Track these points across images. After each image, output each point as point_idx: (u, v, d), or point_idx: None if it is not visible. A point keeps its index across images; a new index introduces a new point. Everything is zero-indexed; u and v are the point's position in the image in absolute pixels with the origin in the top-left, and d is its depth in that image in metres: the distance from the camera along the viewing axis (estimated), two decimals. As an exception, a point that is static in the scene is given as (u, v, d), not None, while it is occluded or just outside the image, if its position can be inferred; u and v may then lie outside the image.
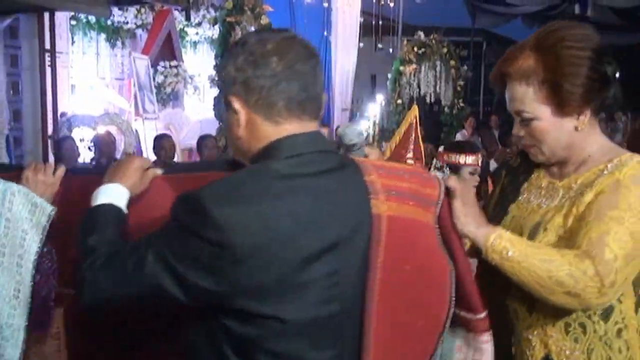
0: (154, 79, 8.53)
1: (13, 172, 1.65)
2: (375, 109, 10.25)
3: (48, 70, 6.58)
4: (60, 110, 6.99)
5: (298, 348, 1.21)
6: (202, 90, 9.73)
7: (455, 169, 3.68)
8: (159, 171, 1.54)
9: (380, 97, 10.87)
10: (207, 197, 1.15)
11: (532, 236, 1.56)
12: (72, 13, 7.35)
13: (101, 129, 6.69)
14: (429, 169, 3.70)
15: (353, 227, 1.25)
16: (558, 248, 1.47)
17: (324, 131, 9.52)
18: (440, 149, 3.92)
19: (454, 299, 1.39)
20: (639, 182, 1.46)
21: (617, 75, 1.54)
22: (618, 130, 8.93)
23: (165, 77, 8.89)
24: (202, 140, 5.99)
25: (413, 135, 3.18)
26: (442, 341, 1.42)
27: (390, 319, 1.31)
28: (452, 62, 11.99)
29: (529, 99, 1.54)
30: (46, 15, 6.42)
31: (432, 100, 11.85)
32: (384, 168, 1.36)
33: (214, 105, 7.41)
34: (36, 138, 6.78)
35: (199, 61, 9.96)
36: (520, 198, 1.68)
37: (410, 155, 3.16)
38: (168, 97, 9.03)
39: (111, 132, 6.62)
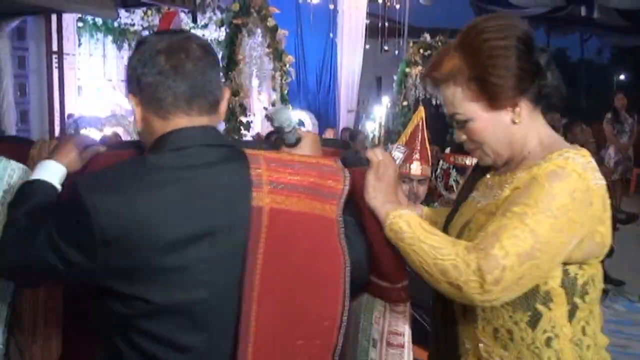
0: (160, 80, 8.54)
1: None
2: (381, 110, 10.24)
3: (55, 71, 6.61)
4: (67, 111, 7.02)
5: (167, 329, 1.26)
6: (208, 92, 9.74)
7: (462, 170, 3.69)
8: (101, 148, 1.61)
9: (385, 99, 10.85)
10: (84, 184, 1.26)
11: (459, 235, 1.51)
12: (79, 15, 7.38)
13: (108, 130, 6.70)
14: (436, 170, 3.71)
15: (230, 218, 1.29)
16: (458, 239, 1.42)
17: (330, 132, 9.53)
18: (447, 150, 3.92)
19: (347, 292, 1.36)
20: (555, 179, 1.35)
21: (549, 63, 1.48)
22: (625, 131, 8.91)
23: (172, 78, 8.90)
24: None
25: (419, 136, 3.17)
26: (345, 332, 1.40)
27: (276, 309, 1.32)
28: (458, 64, 11.98)
29: (458, 100, 1.49)
30: (53, 17, 6.45)
31: (438, 102, 11.80)
32: (277, 161, 1.37)
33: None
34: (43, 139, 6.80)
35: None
36: (470, 196, 1.63)
37: (417, 156, 3.16)
38: (174, 98, 9.05)
39: (118, 133, 6.64)
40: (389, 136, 10.97)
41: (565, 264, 1.41)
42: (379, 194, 1.46)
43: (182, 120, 1.34)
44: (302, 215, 1.35)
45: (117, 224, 1.22)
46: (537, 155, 1.46)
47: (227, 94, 1.43)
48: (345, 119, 11.52)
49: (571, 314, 1.44)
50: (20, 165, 1.69)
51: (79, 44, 7.86)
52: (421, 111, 3.23)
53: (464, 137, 1.55)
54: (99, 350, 1.37)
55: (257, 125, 8.85)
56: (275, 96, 9.00)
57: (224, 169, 1.32)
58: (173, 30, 1.48)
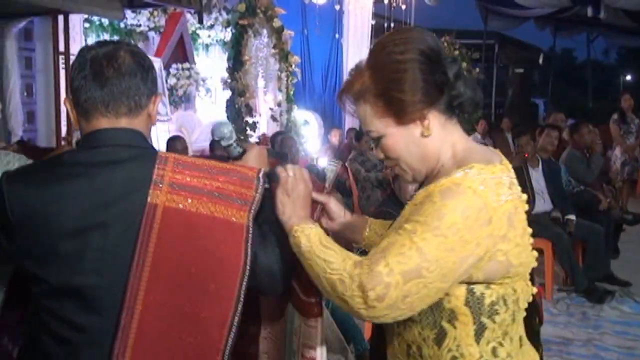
0: (166, 81, 8.58)
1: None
2: (386, 111, 10.24)
3: (62, 72, 6.62)
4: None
5: (66, 308, 1.40)
6: (214, 93, 9.77)
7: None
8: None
9: (391, 100, 10.85)
10: (8, 175, 1.46)
11: None
12: (86, 16, 7.40)
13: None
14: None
15: (124, 212, 1.40)
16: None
17: (336, 133, 9.54)
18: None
19: (241, 296, 1.40)
20: (448, 196, 1.31)
21: (458, 74, 1.42)
22: (631, 132, 8.87)
23: (178, 79, 8.93)
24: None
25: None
26: (232, 333, 1.42)
27: (162, 303, 1.39)
28: (464, 65, 11.96)
29: (369, 117, 1.46)
30: (60, 18, 6.47)
31: (444, 102, 11.82)
32: (186, 164, 1.45)
33: (227, 107, 7.44)
34: (50, 140, 6.84)
35: (211, 64, 10.00)
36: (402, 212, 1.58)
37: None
38: (180, 99, 9.07)
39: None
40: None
41: (470, 283, 1.36)
42: (286, 209, 1.49)
43: (101, 122, 1.47)
44: (201, 216, 1.41)
45: (24, 210, 1.40)
46: (449, 168, 1.42)
47: (155, 99, 1.56)
48: (351, 120, 11.50)
49: (478, 334, 1.39)
50: (22, 156, 1.84)
51: (86, 45, 7.87)
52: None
53: (381, 154, 1.52)
54: (26, 330, 1.54)
55: (263, 125, 8.86)
56: (281, 97, 9.01)
57: (129, 167, 1.43)
58: (111, 41, 1.61)
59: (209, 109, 9.72)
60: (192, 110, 9.33)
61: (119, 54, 1.47)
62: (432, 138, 1.43)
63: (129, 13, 8.02)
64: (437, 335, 1.40)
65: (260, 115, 8.84)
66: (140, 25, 8.64)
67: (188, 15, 9.01)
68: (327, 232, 1.57)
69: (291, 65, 9.09)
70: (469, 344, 1.39)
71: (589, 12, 12.83)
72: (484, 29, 16.12)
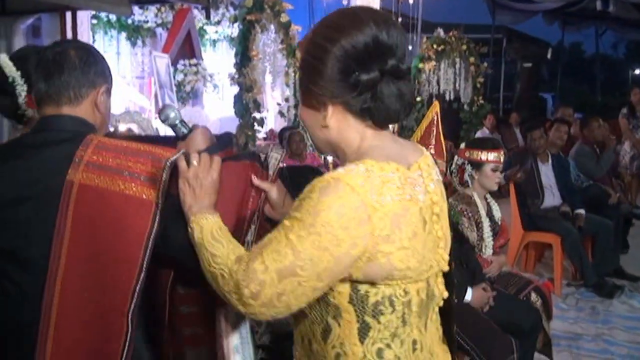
0: (174, 77, 8.59)
1: None
2: (394, 106, 10.22)
3: (70, 68, 6.63)
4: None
5: (7, 267, 1.60)
6: (222, 89, 9.78)
7: (477, 165, 3.68)
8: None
9: (399, 95, 10.82)
10: None
11: None
12: (94, 12, 7.41)
13: (122, 127, 6.73)
14: (450, 166, 3.69)
15: (49, 188, 1.58)
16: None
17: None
18: (462, 146, 3.90)
19: (144, 265, 1.53)
20: (325, 192, 1.25)
21: (375, 83, 1.31)
22: (640, 127, 8.83)
23: (185, 75, 8.94)
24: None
25: (434, 132, 3.16)
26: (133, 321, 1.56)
27: (80, 268, 1.57)
28: (472, 59, 11.92)
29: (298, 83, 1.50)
30: (68, 14, 6.47)
31: (452, 97, 11.79)
32: (106, 146, 1.62)
33: (234, 103, 7.43)
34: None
35: (218, 59, 10.00)
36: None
37: (431, 152, 3.15)
38: (188, 95, 9.08)
39: (132, 129, 6.66)
40: (403, 131, 10.94)
41: (355, 280, 1.32)
42: (186, 198, 1.52)
43: (47, 111, 1.71)
44: (113, 193, 1.56)
45: None
46: (348, 161, 1.37)
47: (100, 89, 1.75)
48: (358, 115, 11.49)
49: (362, 334, 1.34)
50: None
51: (93, 41, 7.90)
52: (436, 106, 3.21)
53: None
54: None
55: (271, 121, 8.86)
56: (288, 92, 9.00)
57: (59, 149, 1.63)
58: (66, 40, 1.97)
59: (217, 105, 9.72)
60: (199, 106, 9.34)
61: (64, 52, 1.72)
62: (331, 129, 1.39)
63: (136, 9, 8.03)
64: (323, 330, 1.37)
65: (267, 110, 8.84)
66: (147, 22, 8.65)
67: (195, 11, 9.02)
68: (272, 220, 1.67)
69: (299, 61, 9.07)
70: (353, 342, 1.34)
71: (598, 5, 12.78)
72: (492, 24, 16.06)
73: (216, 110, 9.56)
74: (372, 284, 1.31)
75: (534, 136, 5.70)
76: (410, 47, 12.85)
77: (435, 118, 3.16)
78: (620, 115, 8.89)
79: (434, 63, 11.72)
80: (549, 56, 21.17)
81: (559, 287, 5.43)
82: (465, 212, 3.58)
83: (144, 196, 1.54)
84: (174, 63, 8.70)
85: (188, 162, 1.54)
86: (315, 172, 2.36)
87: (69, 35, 6.54)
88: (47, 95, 1.70)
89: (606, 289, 5.44)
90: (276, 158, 1.78)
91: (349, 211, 1.24)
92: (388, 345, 1.35)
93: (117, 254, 1.55)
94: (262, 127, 7.84)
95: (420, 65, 11.73)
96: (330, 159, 7.36)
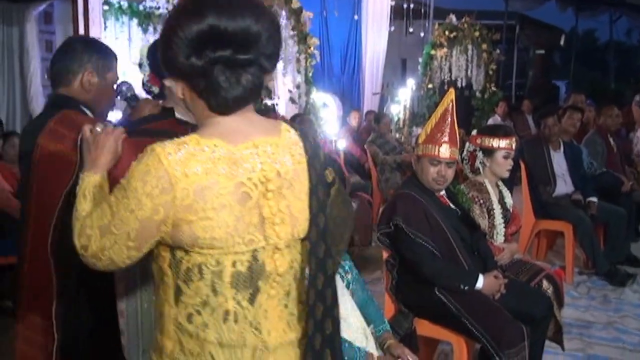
0: (185, 63, 8.57)
1: None
2: (405, 93, 10.19)
3: (82, 55, 6.64)
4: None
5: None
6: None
7: (489, 152, 3.66)
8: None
9: (410, 82, 10.79)
10: None
11: None
12: (106, -2, 7.41)
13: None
14: (462, 153, 3.68)
15: (30, 148, 2.07)
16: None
17: (355, 115, 9.49)
18: (474, 132, 3.88)
19: (60, 203, 1.99)
20: (140, 160, 1.37)
21: (210, 71, 1.35)
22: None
23: (197, 61, 8.91)
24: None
25: (449, 119, 3.14)
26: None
27: (37, 216, 2.10)
28: (484, 46, 11.85)
29: None
30: (80, 0, 6.47)
31: (464, 84, 11.74)
32: (65, 119, 2.09)
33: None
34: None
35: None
36: None
37: (446, 139, 3.13)
38: (199, 81, 9.07)
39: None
40: (414, 119, 10.90)
41: (174, 246, 1.39)
42: (84, 157, 1.77)
43: (54, 91, 2.31)
44: (53, 153, 2.04)
45: None
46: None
47: (84, 73, 2.26)
48: (370, 102, 11.47)
49: (176, 297, 1.41)
50: None
51: (105, 28, 7.88)
52: (451, 93, 3.19)
53: None
54: None
55: (282, 108, 8.84)
56: (299, 79, 8.98)
57: (42, 121, 2.14)
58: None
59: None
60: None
61: (65, 43, 2.35)
62: (185, 101, 1.46)
63: (148, -5, 8.02)
64: (156, 288, 1.48)
65: (279, 97, 8.82)
66: (159, 8, 8.61)
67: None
68: None
69: (310, 47, 9.04)
70: (170, 304, 1.42)
71: (613, -9, 12.62)
72: (504, 10, 15.92)
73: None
74: (186, 251, 1.38)
75: (548, 123, 5.66)
76: (422, 34, 12.76)
77: (450, 105, 3.14)
78: (634, 103, 8.81)
79: (445, 50, 11.67)
80: (562, 43, 21.00)
81: (570, 275, 5.42)
82: (476, 199, 3.57)
83: (72, 157, 1.93)
84: (186, 49, 8.69)
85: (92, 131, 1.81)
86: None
87: (81, 21, 6.54)
88: (50, 78, 2.31)
89: (618, 277, 5.42)
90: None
91: (152, 179, 1.33)
92: (198, 312, 1.40)
93: (53, 195, 1.99)
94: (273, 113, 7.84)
95: (432, 52, 11.69)
96: (341, 147, 7.36)
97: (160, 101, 2.22)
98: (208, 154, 1.35)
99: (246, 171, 1.38)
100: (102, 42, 2.43)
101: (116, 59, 2.39)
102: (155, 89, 2.48)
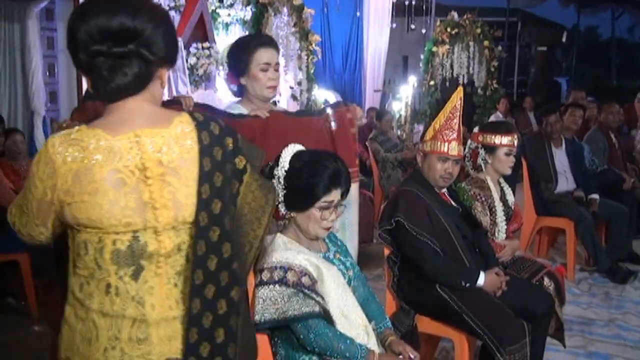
0: (186, 60, 8.56)
1: None
2: (407, 90, 10.18)
3: (83, 52, 6.63)
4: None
5: None
6: (235, 72, 9.72)
7: (491, 149, 3.66)
8: None
9: (412, 79, 10.77)
10: None
11: None
12: (107, -5, 7.39)
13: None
14: (464, 150, 3.68)
15: None
16: None
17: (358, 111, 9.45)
18: (476, 129, 3.88)
19: None
20: (39, 151, 1.56)
21: (92, 62, 1.55)
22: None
23: (198, 58, 8.90)
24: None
25: (457, 117, 3.15)
26: None
27: None
28: (486, 43, 11.83)
29: None
30: (81, -3, 6.47)
31: (465, 81, 11.72)
32: None
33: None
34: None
35: (231, 43, 9.97)
36: None
37: (454, 136, 3.14)
38: (200, 78, 9.05)
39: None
40: (416, 116, 10.89)
41: (75, 224, 1.56)
42: None
43: None
44: None
45: None
46: None
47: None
48: (371, 99, 11.46)
49: (73, 268, 1.61)
50: None
51: (107, 24, 7.89)
52: (460, 91, 3.20)
53: None
54: None
55: (283, 104, 8.83)
56: (301, 76, 8.97)
57: None
58: None
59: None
60: (212, 90, 9.32)
61: None
62: None
63: (149, -8, 8.00)
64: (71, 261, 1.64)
65: (280, 94, 8.81)
66: (160, 4, 8.62)
67: (208, -6, 8.97)
68: None
69: (311, 44, 9.03)
70: (70, 274, 1.62)
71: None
72: (507, 7, 15.90)
73: (229, 93, 9.53)
74: (76, 229, 1.56)
75: (550, 120, 5.66)
76: (423, 31, 12.75)
77: (459, 103, 3.15)
78: (637, 100, 8.80)
79: (447, 47, 11.64)
80: (564, 40, 20.97)
81: (572, 272, 5.42)
82: (478, 197, 3.57)
83: None
84: (187, 46, 8.66)
85: None
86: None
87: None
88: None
89: (619, 275, 5.42)
90: None
91: (42, 166, 1.53)
92: (87, 283, 1.57)
93: None
94: (274, 110, 7.84)
95: (434, 49, 11.66)
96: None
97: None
98: (86, 144, 1.51)
99: (122, 159, 1.52)
100: None
101: None
102: (234, 87, 2.91)
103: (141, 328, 1.55)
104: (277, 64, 2.91)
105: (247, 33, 7.63)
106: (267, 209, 1.82)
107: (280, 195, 2.29)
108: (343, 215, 2.54)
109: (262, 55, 2.83)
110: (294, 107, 8.65)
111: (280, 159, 2.30)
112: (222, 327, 1.60)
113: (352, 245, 2.90)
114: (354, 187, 2.82)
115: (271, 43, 2.91)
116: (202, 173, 1.58)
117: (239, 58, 2.86)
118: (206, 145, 1.60)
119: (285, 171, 2.28)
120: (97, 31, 1.51)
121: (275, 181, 2.28)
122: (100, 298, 1.56)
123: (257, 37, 3.35)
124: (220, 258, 1.59)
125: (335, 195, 2.29)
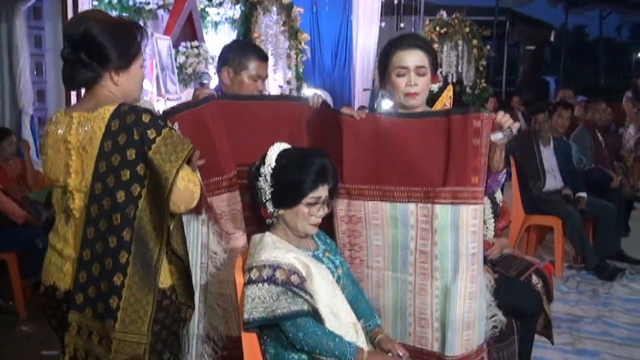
0: (175, 59, 8.54)
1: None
2: (396, 89, 10.17)
3: (71, 50, 6.59)
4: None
5: None
6: (224, 71, 9.69)
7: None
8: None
9: (401, 77, 10.76)
10: None
11: None
12: (95, -7, 7.36)
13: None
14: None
15: None
16: None
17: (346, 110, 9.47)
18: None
19: None
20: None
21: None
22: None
23: (187, 57, 8.88)
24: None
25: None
26: None
27: None
28: (475, 42, 11.87)
29: None
30: (69, -5, 6.44)
31: (454, 80, 11.75)
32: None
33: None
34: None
35: (220, 41, 9.94)
36: None
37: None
38: (189, 77, 9.03)
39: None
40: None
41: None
42: None
43: None
44: None
45: None
46: None
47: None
48: (360, 97, 11.46)
49: (55, 222, 2.14)
50: None
51: (95, 23, 7.85)
52: (450, 90, 3.21)
53: None
54: None
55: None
56: (290, 74, 8.97)
57: None
58: None
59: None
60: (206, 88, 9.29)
61: None
62: None
63: (137, -9, 7.97)
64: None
65: (269, 93, 8.81)
66: (149, 3, 8.56)
67: (197, -7, 8.94)
68: None
69: (301, 43, 9.03)
70: (54, 227, 2.14)
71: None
72: (495, 6, 15.95)
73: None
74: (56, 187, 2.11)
75: (539, 119, 5.68)
76: (412, 30, 12.77)
77: (449, 102, 3.15)
78: (625, 99, 8.87)
79: (436, 46, 11.66)
80: (552, 39, 21.06)
81: (560, 270, 5.45)
82: (466, 195, 3.57)
83: None
84: (176, 45, 8.64)
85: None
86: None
87: (70, 17, 6.51)
88: None
89: (607, 272, 5.45)
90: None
91: (44, 139, 2.12)
92: (61, 228, 2.11)
93: None
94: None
95: (423, 48, 11.66)
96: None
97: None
98: (53, 119, 2.12)
99: (61, 133, 2.04)
100: None
101: None
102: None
103: (59, 262, 2.09)
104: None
105: (236, 32, 7.61)
106: (164, 184, 1.97)
107: (267, 193, 2.29)
108: (449, 242, 2.36)
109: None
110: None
111: (266, 157, 2.30)
112: (106, 280, 1.94)
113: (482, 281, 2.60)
114: (467, 211, 2.34)
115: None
116: (101, 152, 1.95)
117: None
118: (113, 131, 1.94)
119: (272, 169, 2.28)
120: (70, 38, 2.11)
121: (262, 179, 2.29)
122: (54, 233, 2.13)
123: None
124: (110, 223, 1.94)
125: (322, 191, 2.29)
